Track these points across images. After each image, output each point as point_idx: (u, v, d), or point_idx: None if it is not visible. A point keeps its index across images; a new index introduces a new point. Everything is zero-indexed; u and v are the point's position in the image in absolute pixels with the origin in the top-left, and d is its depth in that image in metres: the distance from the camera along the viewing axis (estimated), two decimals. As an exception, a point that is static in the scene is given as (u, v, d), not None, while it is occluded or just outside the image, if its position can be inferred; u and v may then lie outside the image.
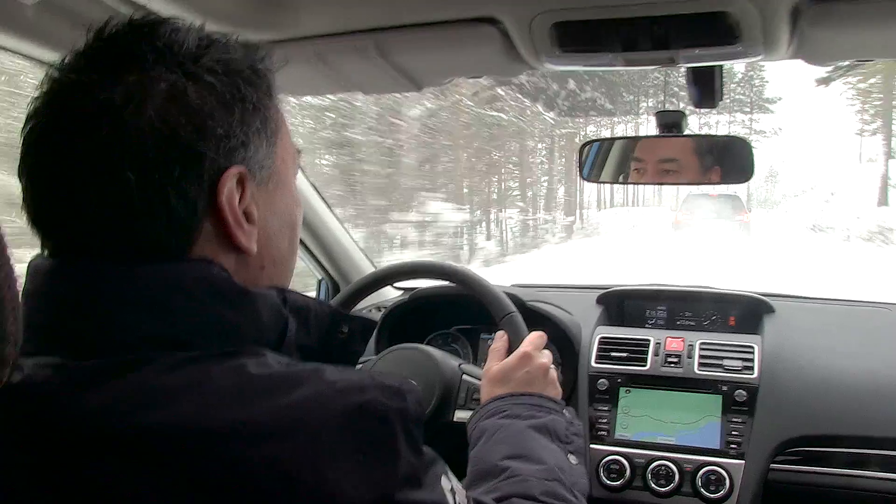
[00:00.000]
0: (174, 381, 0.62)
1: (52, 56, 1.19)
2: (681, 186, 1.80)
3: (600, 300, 2.14)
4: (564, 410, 1.24)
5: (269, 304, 0.75)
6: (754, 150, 1.61)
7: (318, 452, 0.60)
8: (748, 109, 58.78)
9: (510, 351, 1.35)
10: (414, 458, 0.67)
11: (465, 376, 1.62)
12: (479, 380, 1.49)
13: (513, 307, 1.47)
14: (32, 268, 0.71)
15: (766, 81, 59.89)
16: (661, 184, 1.71)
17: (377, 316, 2.12)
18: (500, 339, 1.40)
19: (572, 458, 1.13)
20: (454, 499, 0.73)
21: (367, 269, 2.32)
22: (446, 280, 1.62)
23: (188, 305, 0.69)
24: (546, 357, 1.32)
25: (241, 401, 0.62)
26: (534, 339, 1.35)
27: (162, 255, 0.69)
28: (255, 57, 0.78)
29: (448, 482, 0.74)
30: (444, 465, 0.75)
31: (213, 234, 0.72)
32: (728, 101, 55.05)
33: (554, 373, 1.33)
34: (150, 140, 0.67)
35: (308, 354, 0.80)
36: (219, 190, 0.71)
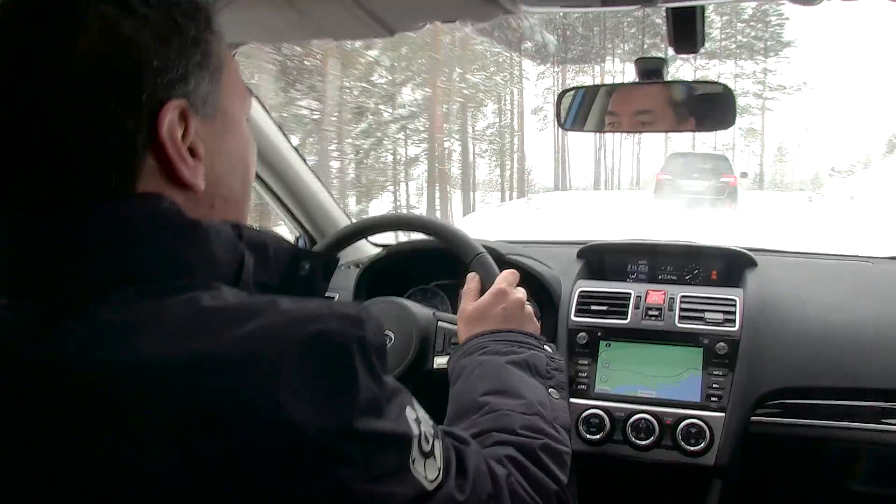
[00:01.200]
0: (127, 317, 0.62)
1: None
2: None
3: (581, 254, 2.12)
4: (546, 346, 1.23)
5: (223, 237, 0.74)
6: (735, 96, 1.57)
7: (274, 382, 0.60)
8: (761, 56, 43.81)
9: (483, 291, 1.33)
10: (375, 387, 0.67)
11: (440, 323, 1.61)
12: (455, 324, 1.47)
13: (481, 248, 1.44)
14: None
15: (786, 18, 43.13)
16: (638, 132, 1.68)
17: (355, 272, 2.09)
18: (471, 280, 1.38)
19: (553, 393, 1.12)
20: (419, 427, 0.72)
21: (343, 220, 2.28)
22: (418, 231, 1.60)
23: (139, 241, 0.67)
24: (521, 292, 1.30)
25: (196, 333, 0.61)
26: (507, 276, 1.33)
27: (105, 193, 0.67)
28: None
29: (413, 412, 0.73)
30: (409, 395, 0.74)
31: (156, 170, 0.70)
32: (734, 45, 42.69)
33: (530, 308, 1.31)
34: (83, 75, 0.65)
35: (268, 292, 0.78)
36: (159, 123, 0.69)
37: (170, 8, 0.71)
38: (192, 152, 0.73)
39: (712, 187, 18.70)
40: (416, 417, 0.73)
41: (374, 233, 1.66)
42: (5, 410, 0.60)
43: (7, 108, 0.66)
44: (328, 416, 0.61)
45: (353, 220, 2.28)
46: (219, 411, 0.58)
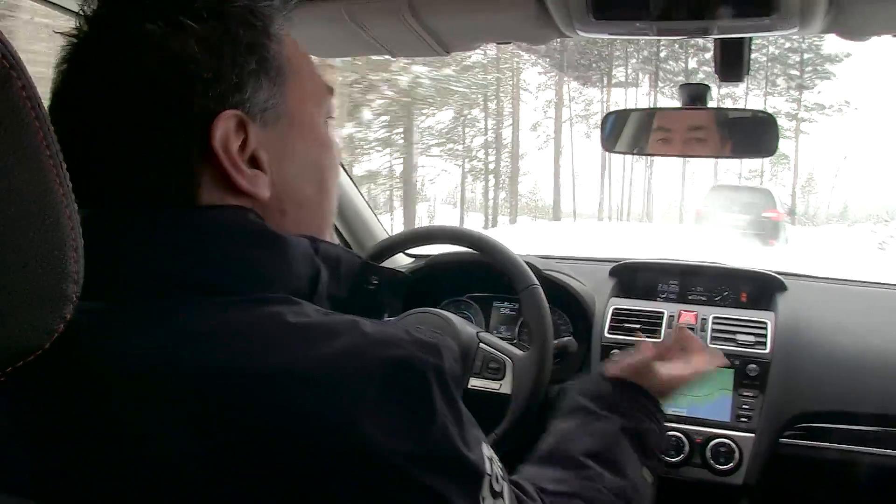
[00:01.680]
0: (215, 325, 0.63)
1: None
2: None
3: (613, 272, 2.15)
4: (663, 423, 1.19)
5: (302, 251, 0.75)
6: (779, 125, 1.61)
7: (355, 403, 0.60)
8: (796, 71, 36.00)
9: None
10: (451, 416, 0.66)
11: (482, 344, 1.62)
12: (495, 348, 1.49)
13: (535, 280, 1.45)
14: None
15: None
16: (687, 155, 1.71)
17: None
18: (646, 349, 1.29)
19: (647, 474, 1.10)
20: (492, 467, 0.71)
21: (381, 234, 2.32)
22: (471, 248, 1.62)
23: (225, 250, 0.69)
24: (683, 369, 1.26)
25: (281, 347, 0.62)
26: (712, 360, 1.30)
27: (165, 202, 0.70)
28: None
29: (488, 450, 0.72)
30: (481, 432, 0.73)
31: (215, 181, 0.72)
32: (764, 58, 34.29)
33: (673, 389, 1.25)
34: (134, 92, 0.68)
35: (337, 304, 0.79)
36: (211, 134, 0.70)
37: (222, 19, 0.72)
38: (254, 160, 0.74)
39: (754, 222, 18.05)
40: (490, 456, 0.72)
41: (427, 244, 1.67)
42: (94, 411, 0.61)
43: (72, 113, 0.70)
44: (404, 442, 0.62)
45: (388, 233, 2.32)
46: (299, 427, 0.59)
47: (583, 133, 37.01)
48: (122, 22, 0.70)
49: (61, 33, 0.74)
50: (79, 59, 0.72)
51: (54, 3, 1.24)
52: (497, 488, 0.71)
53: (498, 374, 1.59)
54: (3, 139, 0.50)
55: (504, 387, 1.61)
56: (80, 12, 0.73)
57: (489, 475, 0.70)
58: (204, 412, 0.59)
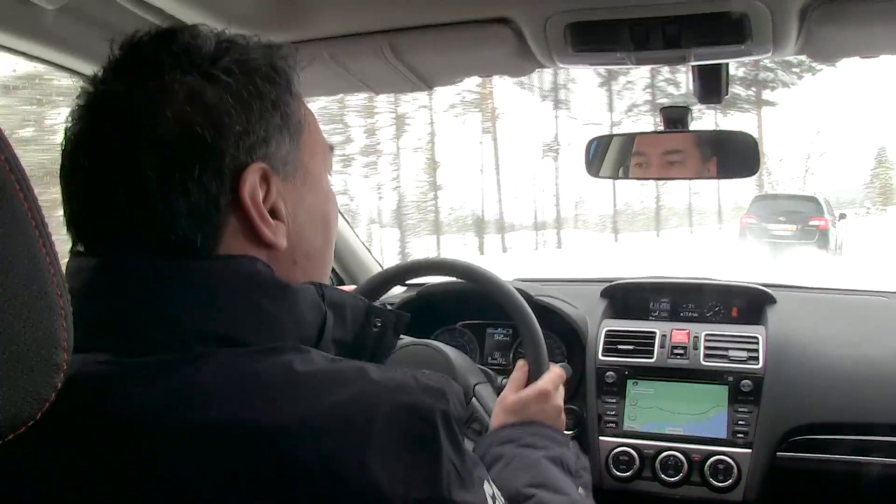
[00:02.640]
0: (224, 378, 0.64)
1: (80, 65, 1.22)
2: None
3: (604, 293, 2.17)
4: (570, 444, 1.25)
5: (309, 299, 0.77)
6: (759, 144, 1.63)
7: (365, 450, 0.61)
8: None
9: (529, 381, 1.35)
10: (457, 459, 0.68)
11: (474, 399, 1.58)
12: (485, 408, 1.47)
13: (541, 336, 1.44)
14: (74, 266, 0.73)
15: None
16: (665, 178, 1.73)
17: None
18: (520, 368, 1.39)
19: (581, 491, 1.15)
20: (494, 503, 0.73)
21: (374, 267, 2.33)
22: (464, 279, 1.61)
23: (235, 301, 0.70)
24: (560, 398, 1.34)
25: (290, 398, 0.63)
26: (555, 379, 1.35)
27: (189, 251, 0.71)
28: (274, 55, 0.79)
29: (490, 488, 0.74)
30: (484, 470, 0.75)
31: (239, 231, 0.73)
32: None
33: (563, 416, 1.34)
34: (169, 140, 0.69)
35: (342, 347, 0.81)
36: (240, 186, 0.72)
37: (251, 74, 0.75)
38: (274, 212, 0.76)
39: (800, 231, 17.67)
40: (493, 494, 0.74)
41: (419, 276, 1.67)
42: (100, 462, 0.62)
43: (101, 160, 0.71)
44: (413, 488, 0.63)
45: (381, 266, 2.33)
46: (310, 477, 0.60)
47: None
48: (158, 71, 0.71)
49: (84, 80, 0.75)
50: (107, 107, 0.72)
51: (68, 69, 1.25)
52: None
53: (479, 436, 1.55)
54: None
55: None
56: (99, 74, 0.75)
57: None
58: (216, 466, 0.60)
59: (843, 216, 19.94)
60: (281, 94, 0.77)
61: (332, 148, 0.89)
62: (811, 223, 17.82)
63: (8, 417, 0.53)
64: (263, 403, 0.62)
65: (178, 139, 0.70)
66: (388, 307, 0.91)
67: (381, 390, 0.66)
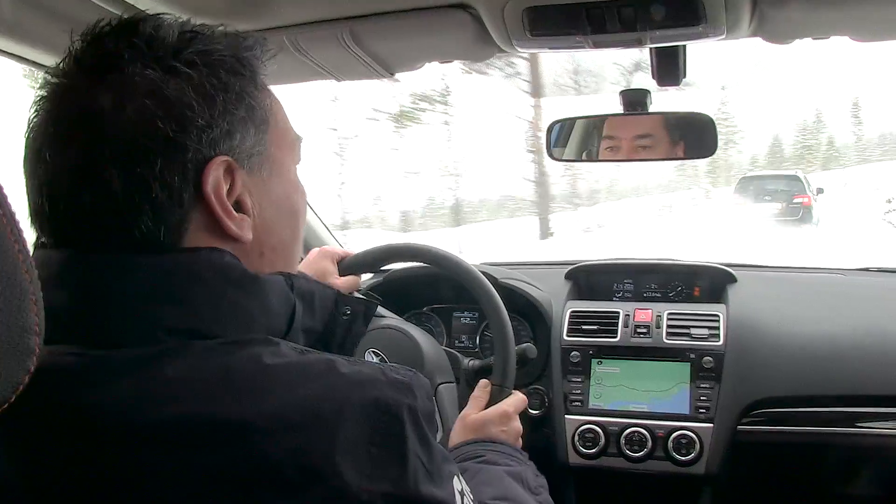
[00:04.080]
0: (193, 373, 0.64)
1: (42, 57, 1.21)
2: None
3: (569, 275, 2.20)
4: (528, 463, 1.25)
5: (279, 290, 0.77)
6: (716, 124, 1.66)
7: (332, 444, 0.62)
8: None
9: (490, 402, 1.35)
10: (424, 454, 0.69)
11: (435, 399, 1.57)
12: (442, 411, 1.47)
13: (514, 356, 1.44)
14: (41, 258, 0.71)
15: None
16: (634, 160, 1.75)
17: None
18: (483, 388, 1.38)
19: None
20: (462, 500, 0.74)
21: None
22: (431, 265, 1.60)
23: (204, 294, 0.70)
24: (518, 423, 1.33)
25: (259, 393, 0.64)
26: (517, 403, 1.34)
27: (153, 246, 0.71)
28: (240, 46, 0.78)
29: (460, 484, 0.75)
30: (455, 466, 0.76)
31: (203, 224, 0.73)
32: None
33: (520, 440, 1.34)
34: (130, 136, 0.69)
35: (312, 336, 0.82)
36: (203, 180, 0.72)
37: (214, 67, 0.74)
38: (240, 205, 0.75)
39: (786, 209, 18.31)
40: (461, 489, 0.75)
41: (388, 263, 1.64)
42: (70, 454, 0.62)
43: (63, 156, 0.70)
44: (378, 482, 0.64)
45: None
46: (278, 471, 0.61)
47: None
48: (118, 65, 0.70)
49: (46, 71, 0.74)
50: (69, 102, 0.71)
51: (28, 60, 1.24)
52: None
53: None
54: None
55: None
56: (60, 65, 0.73)
57: None
58: (184, 462, 0.60)
59: (820, 191, 20.43)
60: (245, 87, 0.77)
61: (300, 139, 0.88)
62: (795, 200, 18.48)
63: None
64: (232, 398, 0.63)
65: (139, 134, 0.69)
66: (357, 294, 0.91)
67: (349, 384, 0.67)
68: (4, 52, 1.18)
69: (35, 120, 0.73)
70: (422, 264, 1.67)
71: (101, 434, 0.62)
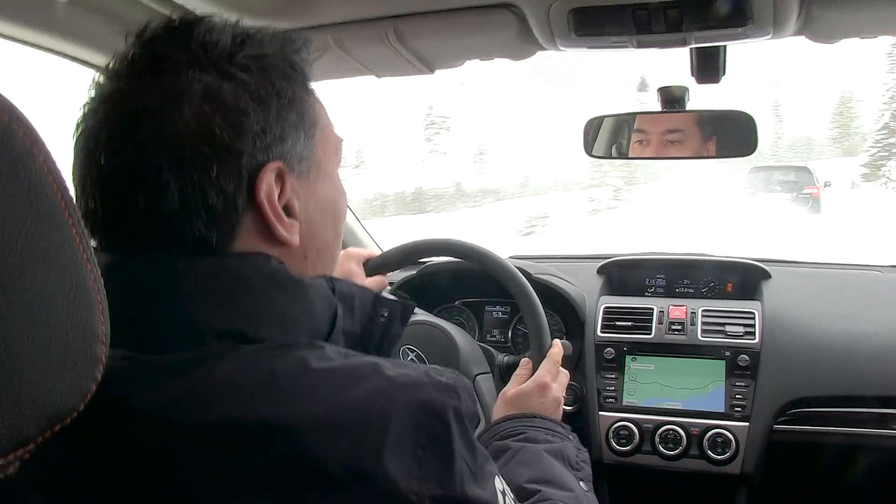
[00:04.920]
0: (241, 376, 0.65)
1: (92, 56, 1.22)
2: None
3: (601, 270, 2.19)
4: (571, 435, 1.25)
5: (322, 293, 0.78)
6: (757, 123, 1.64)
7: (380, 447, 0.62)
8: None
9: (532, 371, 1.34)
10: (468, 455, 0.69)
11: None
12: (481, 401, 1.48)
13: (549, 338, 1.43)
14: None
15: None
16: (664, 158, 1.74)
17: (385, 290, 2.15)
18: (524, 366, 1.37)
19: (583, 485, 1.14)
20: (504, 500, 0.74)
21: (375, 251, 2.34)
22: (465, 259, 1.61)
23: (249, 297, 0.71)
24: (560, 390, 1.32)
25: (307, 396, 0.64)
26: (551, 368, 1.33)
27: (205, 249, 0.71)
28: (289, 49, 0.78)
29: (500, 483, 0.75)
30: (494, 465, 0.76)
31: (254, 228, 0.74)
32: None
33: (561, 407, 1.33)
34: (187, 141, 0.69)
35: (351, 339, 0.82)
36: (257, 186, 0.72)
37: (268, 71, 0.74)
38: (289, 209, 0.76)
39: (796, 199, 18.82)
40: (502, 489, 0.75)
41: (423, 258, 1.64)
42: (121, 457, 0.63)
43: (118, 159, 0.70)
44: (426, 483, 0.64)
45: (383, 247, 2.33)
46: (327, 473, 0.61)
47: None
48: (175, 69, 0.71)
49: (99, 71, 0.75)
50: (124, 106, 0.71)
51: (80, 60, 1.25)
52: None
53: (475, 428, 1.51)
54: (30, 213, 0.52)
55: None
56: (124, 54, 0.73)
57: None
58: (232, 464, 0.61)
59: (827, 184, 20.69)
60: (297, 91, 0.77)
61: (341, 140, 0.88)
62: (805, 191, 19.00)
63: (54, 410, 0.55)
64: (280, 401, 0.63)
65: (196, 140, 0.69)
66: (389, 293, 0.91)
67: (396, 387, 0.67)
68: (59, 51, 1.19)
69: (86, 124, 0.73)
70: (454, 259, 1.67)
71: (150, 435, 0.63)
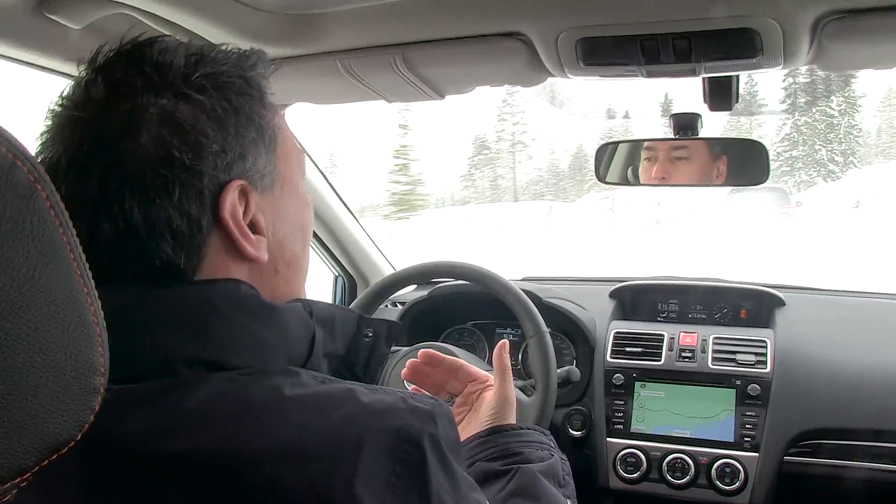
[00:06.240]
0: (212, 404, 0.64)
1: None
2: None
3: (613, 294, 2.18)
4: (551, 442, 1.21)
5: (298, 317, 0.77)
6: (769, 153, 1.63)
7: (352, 474, 0.61)
8: None
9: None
10: (447, 482, 0.67)
11: None
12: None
13: (544, 326, 1.43)
14: None
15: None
16: (677, 185, 1.73)
17: (394, 312, 2.15)
18: (483, 379, 1.31)
19: (570, 502, 1.12)
20: None
21: (385, 266, 2.35)
22: (473, 282, 1.61)
23: (221, 325, 0.70)
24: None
25: (279, 424, 0.63)
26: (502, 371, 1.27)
27: (174, 274, 0.71)
28: (245, 65, 0.78)
29: None
30: (481, 493, 0.74)
31: (222, 248, 0.73)
32: None
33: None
34: (147, 166, 0.69)
35: (334, 361, 0.82)
36: (221, 205, 0.72)
37: (224, 89, 0.74)
38: (254, 226, 0.76)
39: (774, 219, 19.36)
40: None
41: (430, 279, 1.64)
42: (92, 485, 0.64)
43: (80, 188, 0.70)
44: None
45: (392, 265, 2.34)
46: (298, 501, 0.60)
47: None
48: (131, 95, 0.71)
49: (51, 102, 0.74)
50: (82, 133, 0.71)
51: (54, 70, 1.26)
52: None
53: None
54: (35, 250, 0.52)
55: None
56: (79, 81, 0.73)
57: None
58: (201, 492, 0.61)
59: (798, 204, 22.02)
60: (255, 107, 0.77)
61: (303, 150, 0.88)
62: (782, 211, 20.03)
63: (53, 440, 0.55)
64: (252, 429, 0.63)
65: (156, 164, 0.69)
66: (388, 308, 0.89)
67: (370, 413, 0.66)
68: (72, 76, 1.20)
69: (45, 153, 0.73)
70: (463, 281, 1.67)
71: (121, 464, 0.63)
